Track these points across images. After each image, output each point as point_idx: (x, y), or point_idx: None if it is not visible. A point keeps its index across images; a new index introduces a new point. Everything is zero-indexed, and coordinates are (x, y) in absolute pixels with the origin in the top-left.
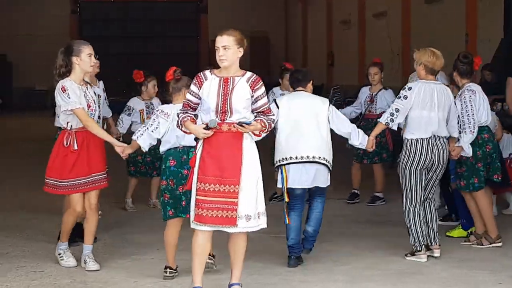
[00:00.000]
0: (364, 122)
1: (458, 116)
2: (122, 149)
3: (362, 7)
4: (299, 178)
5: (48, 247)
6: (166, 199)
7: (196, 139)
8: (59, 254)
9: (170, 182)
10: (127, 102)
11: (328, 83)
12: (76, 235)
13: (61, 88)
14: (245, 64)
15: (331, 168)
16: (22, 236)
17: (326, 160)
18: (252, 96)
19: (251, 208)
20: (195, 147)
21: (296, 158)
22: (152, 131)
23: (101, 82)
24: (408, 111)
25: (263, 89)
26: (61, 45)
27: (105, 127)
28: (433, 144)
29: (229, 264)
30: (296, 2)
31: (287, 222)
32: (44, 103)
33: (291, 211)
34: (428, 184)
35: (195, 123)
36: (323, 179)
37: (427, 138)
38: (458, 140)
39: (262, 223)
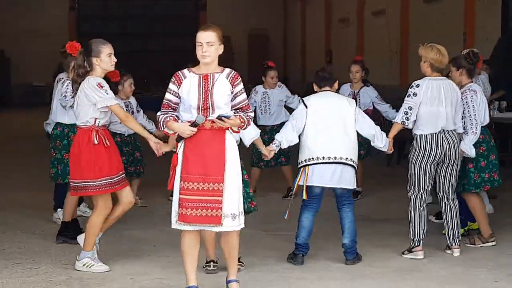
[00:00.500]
0: None
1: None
2: (157, 146)
3: (361, 5)
4: (321, 177)
5: (44, 244)
6: None
7: (179, 139)
8: (86, 265)
9: None
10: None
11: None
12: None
13: (98, 85)
14: (244, 62)
15: (356, 170)
16: (19, 232)
17: (353, 161)
18: (232, 92)
19: (235, 207)
20: (176, 147)
21: (323, 158)
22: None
23: None
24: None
25: (242, 85)
26: (59, 41)
27: None
28: (442, 138)
29: (224, 261)
30: (295, 1)
31: (286, 217)
32: (43, 100)
33: (306, 210)
34: (445, 181)
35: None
36: (349, 181)
37: (436, 133)
38: (461, 140)
39: (242, 222)
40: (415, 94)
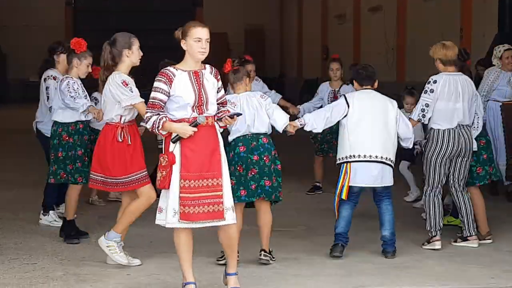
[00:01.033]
0: None
1: None
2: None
3: (358, 1)
4: (363, 177)
5: (41, 239)
6: (231, 185)
7: (175, 140)
8: (110, 248)
9: (238, 168)
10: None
11: (322, 77)
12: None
13: (123, 82)
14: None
15: (393, 168)
16: (15, 228)
17: (391, 161)
18: (216, 87)
19: (231, 200)
20: (163, 145)
21: (365, 156)
22: None
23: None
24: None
25: (220, 81)
26: (55, 37)
27: None
28: (459, 133)
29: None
30: None
31: (337, 217)
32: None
33: (346, 204)
34: (460, 173)
35: None
36: (389, 179)
37: (453, 129)
38: None
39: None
40: (432, 91)
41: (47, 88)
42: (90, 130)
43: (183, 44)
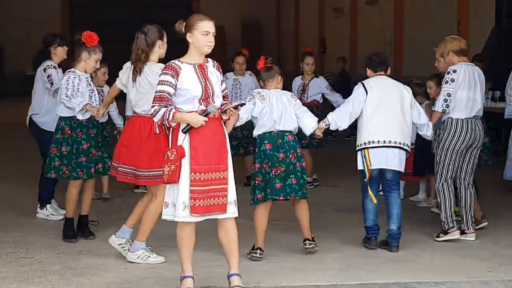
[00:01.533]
0: None
1: None
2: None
3: None
4: (382, 159)
5: (38, 233)
6: (258, 182)
7: (186, 130)
8: (141, 257)
9: (264, 165)
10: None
11: (319, 70)
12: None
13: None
14: (236, 49)
15: (409, 153)
16: (12, 222)
17: (408, 146)
18: (220, 80)
19: (234, 193)
20: (170, 139)
21: (384, 142)
22: (252, 109)
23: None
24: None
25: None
26: (51, 30)
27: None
28: (474, 123)
29: (219, 251)
30: None
31: (373, 202)
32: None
33: (367, 194)
34: (469, 165)
35: None
36: (404, 164)
37: (470, 118)
38: None
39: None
40: (452, 80)
41: (49, 76)
42: (99, 123)
43: (189, 37)
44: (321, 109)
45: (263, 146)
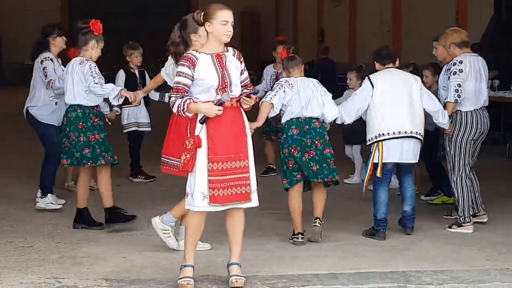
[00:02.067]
0: None
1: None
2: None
3: None
4: (396, 153)
5: (37, 222)
6: (291, 165)
7: (202, 120)
8: (164, 231)
9: (292, 150)
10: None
11: (318, 60)
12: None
13: None
14: (235, 40)
15: (422, 142)
16: (11, 211)
17: (420, 134)
18: (240, 69)
19: (255, 182)
20: (188, 129)
21: (394, 133)
22: (283, 97)
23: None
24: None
25: (243, 63)
26: (50, 20)
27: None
28: (482, 114)
29: (219, 240)
30: None
31: (363, 190)
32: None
33: (381, 187)
34: (475, 154)
35: None
36: (417, 154)
37: (478, 110)
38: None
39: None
40: (461, 71)
41: (44, 69)
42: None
43: (207, 27)
44: None
45: (290, 131)
